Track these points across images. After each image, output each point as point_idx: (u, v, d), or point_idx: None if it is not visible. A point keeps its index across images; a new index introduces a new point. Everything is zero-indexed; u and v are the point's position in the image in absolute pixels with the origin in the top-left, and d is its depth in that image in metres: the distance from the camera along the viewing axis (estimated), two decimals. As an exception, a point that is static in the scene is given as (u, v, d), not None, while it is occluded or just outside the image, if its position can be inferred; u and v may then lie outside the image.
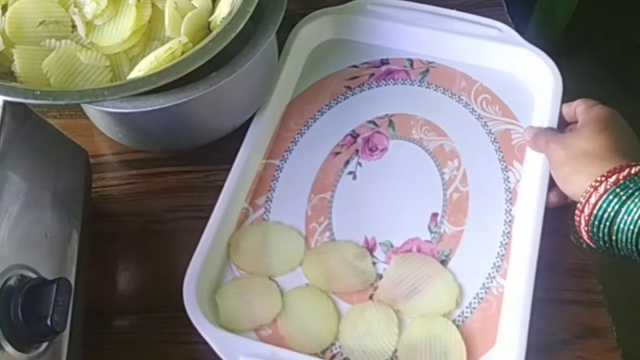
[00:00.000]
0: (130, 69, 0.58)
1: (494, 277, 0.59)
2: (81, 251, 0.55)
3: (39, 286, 0.47)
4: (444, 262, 0.60)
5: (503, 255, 0.60)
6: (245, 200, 0.63)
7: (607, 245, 0.53)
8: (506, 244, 0.61)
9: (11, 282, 0.46)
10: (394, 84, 0.71)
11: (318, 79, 0.71)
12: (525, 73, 0.70)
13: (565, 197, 0.59)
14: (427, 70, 0.72)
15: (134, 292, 0.61)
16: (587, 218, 0.53)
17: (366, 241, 0.61)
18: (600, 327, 0.58)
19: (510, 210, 0.63)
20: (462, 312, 0.58)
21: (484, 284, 0.59)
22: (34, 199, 0.51)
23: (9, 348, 0.44)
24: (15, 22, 0.58)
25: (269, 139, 0.67)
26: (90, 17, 0.59)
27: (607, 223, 0.51)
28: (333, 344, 0.57)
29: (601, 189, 0.52)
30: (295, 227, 0.62)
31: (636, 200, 0.50)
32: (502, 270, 0.60)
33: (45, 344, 0.48)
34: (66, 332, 0.50)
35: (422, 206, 0.63)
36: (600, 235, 0.52)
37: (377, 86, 0.71)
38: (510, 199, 0.63)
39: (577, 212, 0.54)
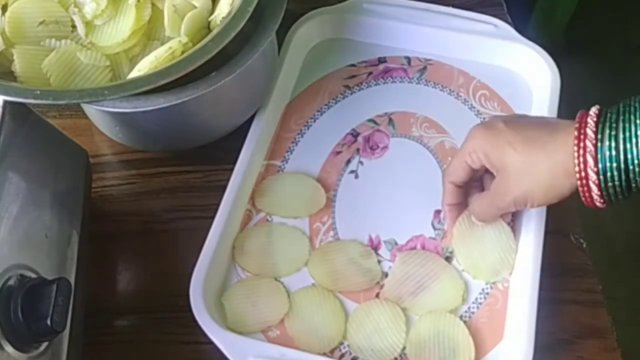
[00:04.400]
0: (130, 69, 0.58)
1: (499, 272, 0.60)
2: (81, 251, 0.55)
3: (39, 286, 0.47)
4: (448, 259, 0.60)
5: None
6: (248, 201, 0.63)
7: (623, 190, 0.49)
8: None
9: (11, 282, 0.46)
10: (392, 82, 0.71)
11: (316, 78, 0.71)
12: (522, 68, 0.70)
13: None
14: (425, 68, 0.72)
15: (134, 292, 0.61)
16: (597, 183, 0.49)
17: (370, 240, 0.61)
18: (600, 327, 0.58)
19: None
20: (469, 308, 0.58)
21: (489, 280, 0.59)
22: (33, 198, 0.51)
23: (9, 348, 0.44)
24: (15, 22, 0.58)
25: (270, 140, 0.67)
26: (90, 17, 0.59)
27: (617, 169, 0.48)
28: (341, 343, 0.57)
29: (589, 140, 0.48)
30: (299, 227, 0.62)
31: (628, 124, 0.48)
32: (507, 265, 0.60)
33: (45, 344, 0.48)
34: (66, 332, 0.50)
35: (424, 203, 0.63)
36: (616, 177, 0.48)
37: (375, 84, 0.71)
38: (512, 193, 0.63)
39: (581, 183, 0.49)
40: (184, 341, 0.57)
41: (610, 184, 0.49)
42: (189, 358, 0.57)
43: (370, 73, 0.71)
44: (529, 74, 0.70)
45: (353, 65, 0.72)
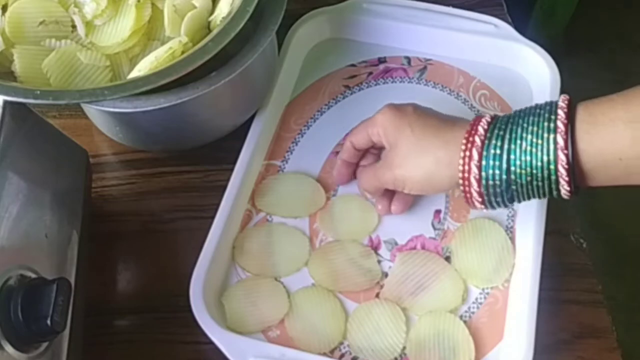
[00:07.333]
0: (130, 69, 0.59)
1: (499, 272, 0.60)
2: (81, 251, 0.55)
3: (39, 286, 0.47)
4: (448, 259, 0.60)
5: (508, 249, 0.60)
6: (248, 201, 0.63)
7: (503, 193, 0.50)
8: (510, 238, 0.61)
9: (11, 282, 0.46)
10: (392, 82, 0.71)
11: (316, 78, 0.71)
12: (522, 67, 0.70)
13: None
14: (425, 68, 0.72)
15: (134, 292, 0.61)
16: (477, 179, 0.50)
17: (370, 240, 0.61)
18: (600, 327, 0.58)
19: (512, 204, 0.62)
20: (469, 308, 0.58)
21: (489, 280, 0.59)
22: (33, 199, 0.51)
23: (9, 348, 0.44)
24: (15, 22, 0.58)
25: (270, 140, 0.67)
26: (90, 17, 0.59)
27: (499, 167, 0.49)
28: (341, 343, 0.57)
29: (478, 137, 0.50)
30: (299, 227, 0.62)
31: (515, 133, 0.49)
32: (507, 265, 0.60)
33: (45, 344, 0.48)
34: (66, 332, 0.50)
35: (424, 203, 0.63)
36: (497, 176, 0.50)
37: (375, 85, 0.71)
38: (512, 193, 0.63)
39: (463, 176, 0.51)
40: (184, 341, 0.57)
41: (491, 182, 0.50)
42: (189, 358, 0.57)
43: (370, 73, 0.71)
44: (529, 74, 0.70)
45: (353, 65, 0.72)
